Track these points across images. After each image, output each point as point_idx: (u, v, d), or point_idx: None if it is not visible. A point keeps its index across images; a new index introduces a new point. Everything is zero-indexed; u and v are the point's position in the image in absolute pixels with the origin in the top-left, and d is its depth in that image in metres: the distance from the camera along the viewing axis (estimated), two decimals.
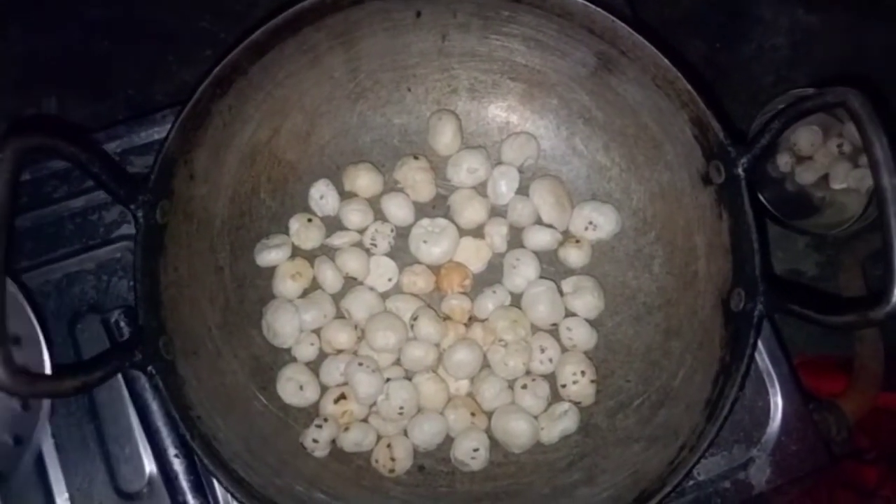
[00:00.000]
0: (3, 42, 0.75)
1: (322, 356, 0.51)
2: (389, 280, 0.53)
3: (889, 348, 0.64)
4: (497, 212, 0.55)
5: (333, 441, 0.50)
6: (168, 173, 0.46)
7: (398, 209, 0.54)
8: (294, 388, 0.50)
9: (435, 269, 0.53)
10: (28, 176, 0.54)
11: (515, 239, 0.54)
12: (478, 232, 0.54)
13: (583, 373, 0.50)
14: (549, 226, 0.53)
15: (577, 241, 0.53)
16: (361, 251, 0.53)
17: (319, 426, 0.49)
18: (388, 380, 0.50)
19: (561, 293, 0.52)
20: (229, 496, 0.48)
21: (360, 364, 0.49)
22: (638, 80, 0.49)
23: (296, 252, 0.53)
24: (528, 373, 0.51)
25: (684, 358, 0.49)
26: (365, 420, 0.51)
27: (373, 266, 0.53)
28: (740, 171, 0.44)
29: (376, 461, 0.49)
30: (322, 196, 0.53)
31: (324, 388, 0.51)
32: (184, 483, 0.49)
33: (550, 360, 0.51)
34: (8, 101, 0.73)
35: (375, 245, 0.53)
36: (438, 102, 0.55)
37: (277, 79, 0.50)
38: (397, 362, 0.51)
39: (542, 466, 0.50)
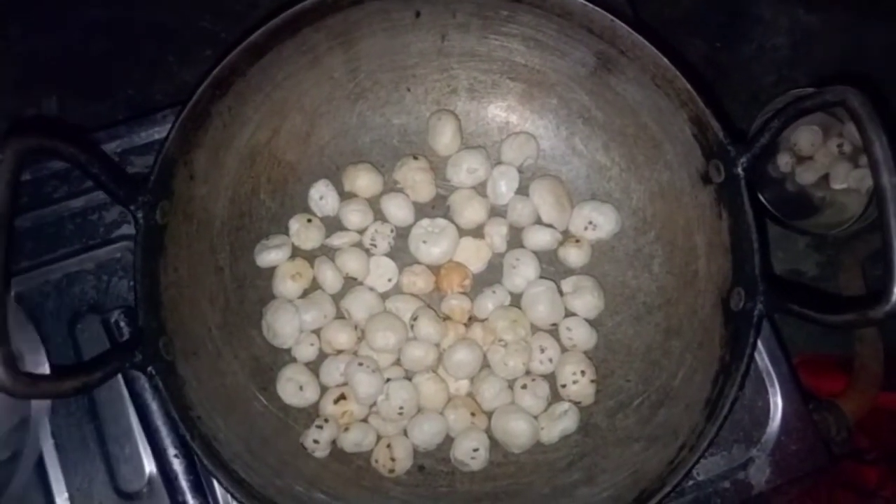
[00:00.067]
0: (3, 42, 0.75)
1: (322, 356, 0.51)
2: (389, 280, 0.53)
3: (889, 348, 0.64)
4: (497, 212, 0.55)
5: (333, 441, 0.50)
6: (168, 174, 0.46)
7: (398, 209, 0.54)
8: (294, 388, 0.50)
9: (435, 270, 0.53)
10: (28, 176, 0.54)
11: (515, 239, 0.54)
12: (477, 232, 0.54)
13: (583, 372, 0.50)
14: (549, 226, 0.53)
15: (577, 241, 0.53)
16: (361, 251, 0.53)
17: (320, 427, 0.49)
18: (387, 380, 0.50)
19: (561, 293, 0.52)
20: (229, 496, 0.48)
21: (360, 364, 0.49)
22: (637, 79, 0.49)
23: (296, 252, 0.53)
24: (527, 373, 0.51)
25: (684, 357, 0.49)
26: (365, 420, 0.51)
27: (373, 266, 0.53)
28: (740, 170, 0.44)
29: (376, 461, 0.50)
30: (322, 196, 0.53)
31: (324, 389, 0.51)
32: (183, 483, 0.49)
33: (550, 360, 0.51)
34: (8, 101, 0.73)
35: (375, 245, 0.53)
36: (438, 102, 0.55)
37: (277, 80, 0.50)
38: (397, 362, 0.51)
39: (542, 466, 0.50)
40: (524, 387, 0.50)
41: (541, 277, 0.53)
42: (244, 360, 0.50)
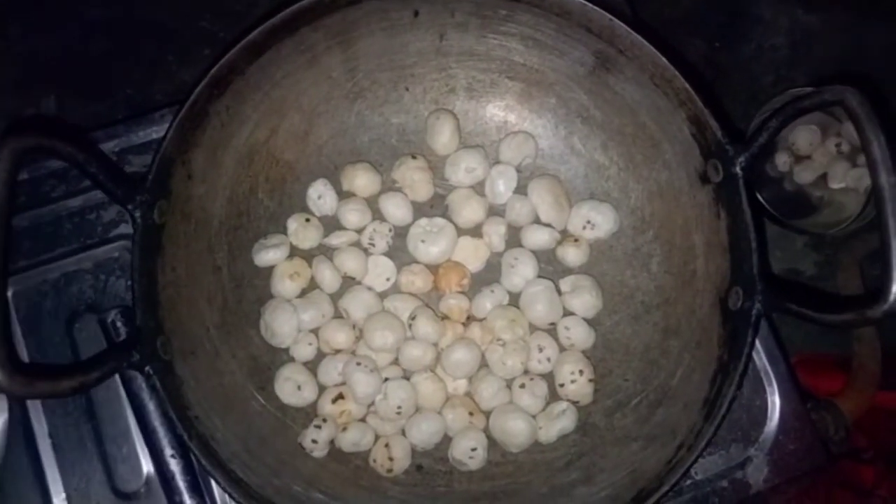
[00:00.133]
0: (2, 42, 0.75)
1: (320, 356, 0.51)
2: (387, 280, 0.53)
3: (887, 347, 0.64)
4: (495, 211, 0.55)
5: (332, 441, 0.50)
6: (166, 173, 0.46)
7: (396, 209, 0.54)
8: (292, 387, 0.50)
9: (433, 269, 0.53)
10: (26, 175, 0.54)
11: (513, 238, 0.54)
12: (476, 231, 0.54)
13: (581, 372, 0.50)
14: (548, 225, 0.53)
15: (576, 241, 0.53)
16: (359, 251, 0.53)
17: (318, 427, 0.49)
18: (386, 379, 0.50)
19: (559, 292, 0.52)
20: (227, 496, 0.48)
21: (359, 364, 0.49)
22: (636, 78, 0.49)
23: (294, 252, 0.53)
24: (526, 372, 0.51)
25: (682, 357, 0.49)
26: (363, 420, 0.51)
27: (371, 266, 0.53)
28: (738, 169, 0.44)
29: (374, 461, 0.49)
30: (320, 196, 0.53)
31: (322, 388, 0.51)
32: (181, 483, 0.49)
33: (548, 360, 0.51)
34: (7, 100, 0.73)
35: (373, 245, 0.53)
36: (436, 102, 0.55)
37: (275, 79, 0.50)
38: (395, 362, 0.51)
39: (540, 466, 0.50)
40: (522, 386, 0.50)
41: (539, 277, 0.53)
42: (242, 360, 0.50)
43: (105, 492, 0.51)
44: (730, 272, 0.46)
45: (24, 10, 0.76)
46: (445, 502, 0.49)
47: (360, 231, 0.53)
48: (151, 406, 0.49)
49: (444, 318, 0.52)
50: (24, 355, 0.52)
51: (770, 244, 0.74)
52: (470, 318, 0.52)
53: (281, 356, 0.52)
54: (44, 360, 0.52)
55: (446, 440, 0.50)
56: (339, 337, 0.51)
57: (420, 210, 0.55)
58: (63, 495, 0.50)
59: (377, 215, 0.54)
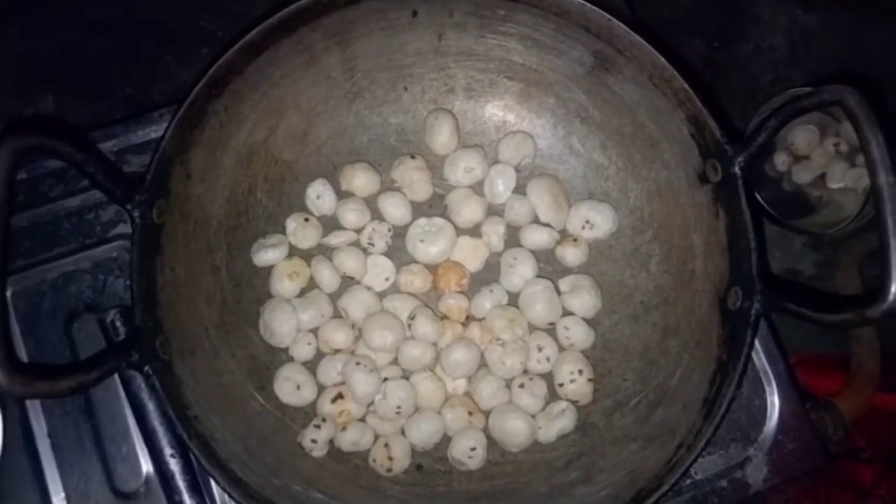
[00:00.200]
0: (2, 42, 0.75)
1: (319, 356, 0.51)
2: (387, 279, 0.53)
3: (886, 347, 0.64)
4: (494, 211, 0.55)
5: (331, 441, 0.50)
6: (164, 173, 0.46)
7: (395, 208, 0.54)
8: (291, 387, 0.50)
9: (432, 269, 0.53)
10: (24, 175, 0.54)
11: (512, 238, 0.54)
12: (475, 231, 0.54)
13: (580, 372, 0.50)
14: (547, 225, 0.53)
15: (575, 240, 0.53)
16: (358, 250, 0.53)
17: (318, 426, 0.49)
18: (385, 379, 0.50)
19: (558, 292, 0.52)
20: (226, 496, 0.48)
21: (358, 363, 0.49)
22: (635, 78, 0.49)
23: (293, 251, 0.53)
24: (525, 372, 0.51)
25: (681, 357, 0.49)
26: (362, 419, 0.51)
27: (370, 265, 0.53)
28: (737, 169, 0.44)
29: (374, 460, 0.49)
30: (319, 196, 0.53)
31: (321, 388, 0.51)
32: (180, 483, 0.49)
33: (548, 359, 0.51)
34: (7, 100, 0.73)
35: (372, 244, 0.53)
36: (435, 102, 0.55)
37: (273, 79, 0.50)
38: (395, 362, 0.51)
39: (540, 465, 0.50)
40: (522, 386, 0.50)
41: (538, 276, 0.53)
42: (241, 360, 0.50)
43: (104, 491, 0.51)
44: (729, 272, 0.46)
45: (24, 10, 0.76)
46: (445, 502, 0.49)
47: (359, 231, 0.53)
48: (151, 406, 0.49)
49: (444, 317, 0.52)
50: (23, 355, 0.52)
51: (769, 244, 0.74)
52: (469, 318, 0.52)
53: (280, 356, 0.52)
54: (42, 360, 0.52)
55: (446, 440, 0.50)
56: (339, 337, 0.51)
57: (419, 210, 0.55)
58: (62, 495, 0.50)
59: (376, 215, 0.54)
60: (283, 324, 0.50)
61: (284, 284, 0.51)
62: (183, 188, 0.48)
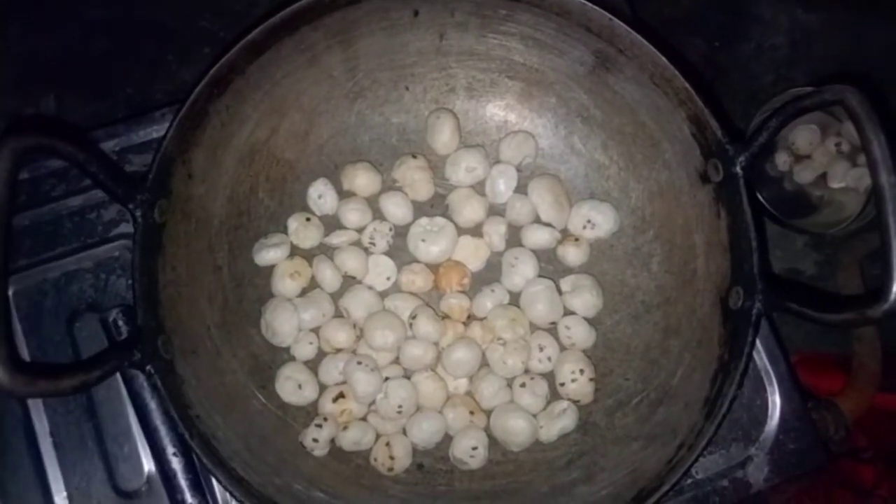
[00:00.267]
0: (2, 42, 0.75)
1: (321, 355, 0.51)
2: (388, 279, 0.53)
3: (887, 347, 0.64)
4: (495, 210, 0.55)
5: (332, 440, 0.50)
6: (166, 173, 0.46)
7: (397, 208, 0.54)
8: (293, 386, 0.50)
9: (433, 268, 0.53)
10: (26, 174, 0.54)
11: (514, 238, 0.54)
12: (476, 231, 0.54)
13: (581, 371, 0.50)
14: (548, 224, 0.53)
15: (576, 240, 0.53)
16: (360, 250, 0.53)
17: (319, 426, 0.49)
18: (386, 378, 0.50)
19: (559, 292, 0.52)
20: (228, 495, 0.48)
21: (359, 363, 0.49)
22: (636, 78, 0.49)
23: (294, 251, 0.53)
24: (526, 371, 0.51)
25: (683, 356, 0.49)
26: (364, 419, 0.51)
27: (371, 265, 0.53)
28: (738, 169, 0.44)
29: (375, 460, 0.50)
30: (320, 195, 0.53)
31: (322, 387, 0.51)
32: (182, 482, 0.49)
33: (549, 359, 0.51)
34: (7, 100, 0.73)
35: (374, 244, 0.53)
36: (436, 101, 0.55)
37: (275, 78, 0.50)
38: (396, 361, 0.51)
39: (541, 465, 0.50)
40: (523, 385, 0.50)
41: (539, 276, 0.53)
42: (243, 359, 0.50)
43: (106, 490, 0.51)
44: (730, 272, 0.46)
45: (24, 10, 0.76)
46: (446, 501, 0.49)
47: (360, 230, 0.54)
48: (153, 405, 0.49)
49: (445, 317, 0.52)
50: (25, 354, 0.52)
51: (770, 244, 0.74)
52: (470, 318, 0.52)
53: (282, 355, 0.52)
54: (45, 359, 0.52)
55: (447, 439, 0.50)
56: (340, 336, 0.51)
57: (420, 209, 0.55)
58: (64, 494, 0.50)
59: (377, 215, 0.54)
60: (284, 323, 0.50)
61: (286, 284, 0.51)
62: (185, 188, 0.48)
